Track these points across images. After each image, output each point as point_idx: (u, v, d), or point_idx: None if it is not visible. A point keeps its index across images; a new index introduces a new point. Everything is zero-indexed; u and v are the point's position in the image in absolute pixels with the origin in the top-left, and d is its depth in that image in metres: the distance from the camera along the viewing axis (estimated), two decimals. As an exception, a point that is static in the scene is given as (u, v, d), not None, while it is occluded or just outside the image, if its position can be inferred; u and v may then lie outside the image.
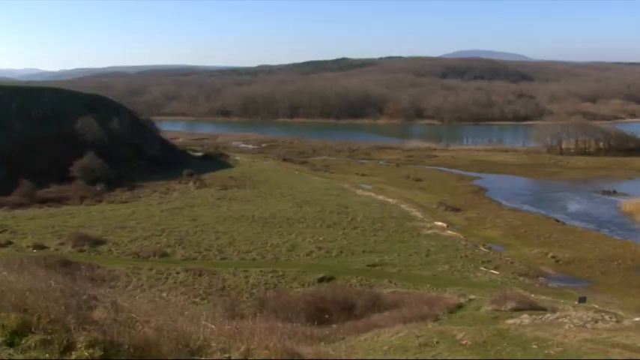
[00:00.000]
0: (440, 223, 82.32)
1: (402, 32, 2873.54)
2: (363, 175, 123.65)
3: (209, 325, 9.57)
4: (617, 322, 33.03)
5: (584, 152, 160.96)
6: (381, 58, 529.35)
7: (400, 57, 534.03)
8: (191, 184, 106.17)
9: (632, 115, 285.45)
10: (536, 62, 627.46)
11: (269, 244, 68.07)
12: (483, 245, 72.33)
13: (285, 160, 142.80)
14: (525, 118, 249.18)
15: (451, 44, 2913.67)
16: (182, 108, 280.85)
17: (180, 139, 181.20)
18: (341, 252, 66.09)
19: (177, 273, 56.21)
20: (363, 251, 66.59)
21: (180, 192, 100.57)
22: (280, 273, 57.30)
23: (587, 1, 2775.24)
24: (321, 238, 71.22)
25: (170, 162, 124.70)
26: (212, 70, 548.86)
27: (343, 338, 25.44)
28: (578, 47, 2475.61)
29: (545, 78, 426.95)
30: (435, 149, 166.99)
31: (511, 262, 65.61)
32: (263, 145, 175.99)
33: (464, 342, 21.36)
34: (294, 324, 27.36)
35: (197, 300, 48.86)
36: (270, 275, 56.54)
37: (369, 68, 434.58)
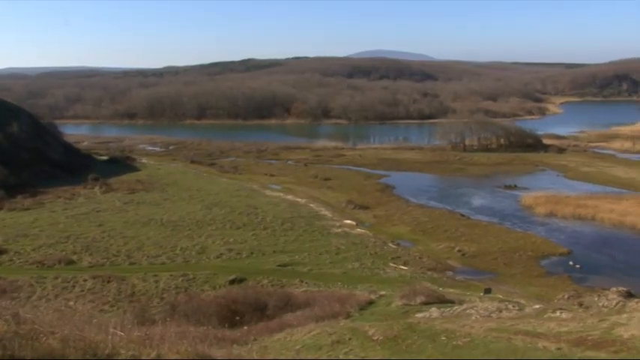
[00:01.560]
0: (349, 222, 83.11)
1: (309, 32, 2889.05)
2: (271, 175, 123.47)
3: (118, 332, 9.33)
4: (519, 310, 34.17)
5: (486, 149, 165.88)
6: (288, 58, 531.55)
7: (307, 57, 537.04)
8: (97, 188, 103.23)
9: (530, 112, 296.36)
10: (440, 62, 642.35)
11: (179, 248, 67.11)
12: (392, 242, 73.56)
13: (193, 162, 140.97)
14: (430, 117, 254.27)
15: (357, 44, 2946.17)
16: (86, 111, 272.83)
17: (85, 143, 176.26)
18: (251, 253, 65.86)
19: (85, 280, 54.68)
20: (274, 251, 66.57)
21: (86, 197, 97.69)
22: (191, 276, 56.61)
23: (486, 2, 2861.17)
24: (231, 240, 70.75)
25: (74, 166, 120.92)
26: (116, 72, 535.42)
27: (256, 339, 25.31)
28: (479, 48, 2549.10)
29: (448, 77, 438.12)
30: (342, 148, 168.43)
31: (419, 258, 67.01)
32: (170, 148, 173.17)
33: (376, 337, 21.59)
34: (206, 327, 27.06)
35: (106, 307, 47.72)
36: (180, 279, 55.77)
37: (276, 69, 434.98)
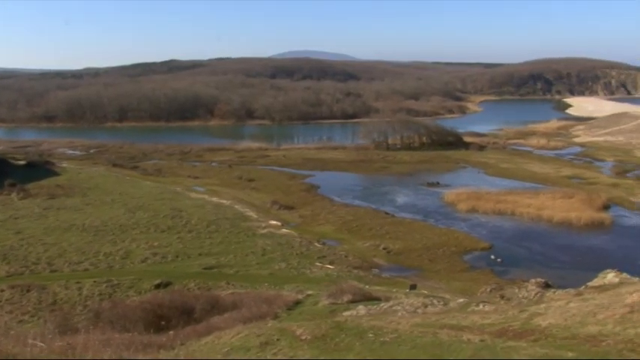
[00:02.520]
0: (274, 222, 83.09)
1: (231, 33, 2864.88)
2: (196, 177, 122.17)
3: (37, 343, 9.07)
4: (444, 305, 34.87)
5: (409, 147, 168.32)
6: (211, 59, 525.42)
7: (230, 58, 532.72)
8: (14, 194, 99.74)
9: (450, 111, 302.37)
10: (362, 62, 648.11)
11: (102, 253, 65.62)
12: (318, 241, 73.88)
13: (115, 165, 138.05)
14: (353, 116, 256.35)
15: (280, 45, 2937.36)
16: (0, 114, 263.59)
17: (0, 147, 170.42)
18: (177, 256, 65.03)
19: (2, 291, 52.75)
20: (200, 254, 65.93)
21: (2, 204, 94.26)
22: (115, 282, 55.44)
23: (406, 2, 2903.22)
24: (156, 244, 69.67)
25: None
26: (33, 74, 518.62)
27: (183, 344, 25.00)
28: (401, 48, 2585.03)
29: (370, 77, 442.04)
30: (266, 149, 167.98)
31: (345, 256, 67.55)
32: (91, 151, 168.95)
33: (304, 337, 21.64)
34: (132, 333, 26.60)
35: (25, 318, 46.20)
36: (104, 285, 54.55)
37: (198, 70, 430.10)
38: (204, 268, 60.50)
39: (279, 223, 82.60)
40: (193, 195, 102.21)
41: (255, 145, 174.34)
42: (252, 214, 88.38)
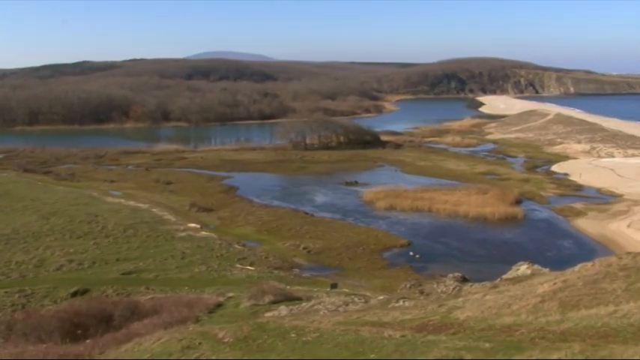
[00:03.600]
0: (193, 225, 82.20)
1: (145, 34, 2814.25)
2: (112, 181, 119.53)
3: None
4: (365, 302, 35.34)
5: (326, 147, 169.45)
6: (125, 60, 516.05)
7: (144, 59, 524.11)
8: None
9: (367, 110, 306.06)
10: (279, 62, 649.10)
11: (14, 262, 63.23)
12: (238, 243, 73.53)
13: (26, 170, 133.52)
14: (271, 117, 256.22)
15: (195, 46, 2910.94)
16: None
17: None
18: (94, 263, 63.39)
19: None
20: (117, 260, 64.46)
21: None
22: (29, 291, 53.52)
23: (320, 3, 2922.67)
24: (71, 250, 67.72)
25: None
26: None
27: (102, 352, 24.51)
28: (317, 48, 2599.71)
29: (287, 77, 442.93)
30: (184, 151, 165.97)
31: (266, 257, 67.46)
32: (0, 157, 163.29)
33: (226, 340, 21.55)
34: (47, 344, 25.88)
35: None
36: (17, 295, 52.55)
37: (112, 71, 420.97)
38: (123, 274, 59.20)
39: (198, 226, 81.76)
40: (110, 199, 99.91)
41: (172, 147, 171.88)
42: (171, 217, 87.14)
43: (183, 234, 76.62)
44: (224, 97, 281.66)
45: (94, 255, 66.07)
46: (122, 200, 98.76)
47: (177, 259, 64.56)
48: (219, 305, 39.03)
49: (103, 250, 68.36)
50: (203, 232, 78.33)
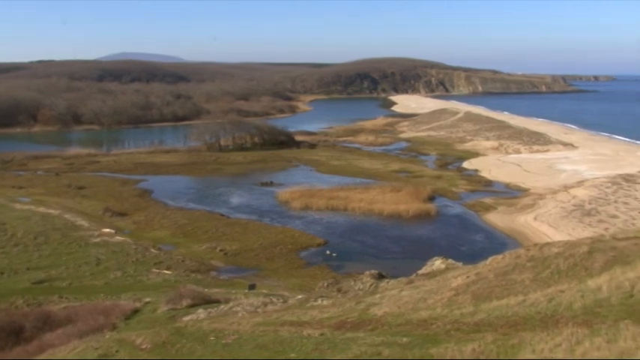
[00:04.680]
0: (108, 230, 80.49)
1: (54, 35, 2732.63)
2: (20, 187, 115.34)
3: None
4: (283, 302, 35.50)
5: (241, 148, 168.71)
6: (32, 61, 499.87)
7: (53, 60, 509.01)
8: None
9: (281, 110, 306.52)
10: (192, 64, 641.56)
11: None
12: (154, 247, 72.53)
13: None
14: (184, 118, 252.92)
15: (106, 47, 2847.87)
16: None
17: None
18: (2, 273, 61.07)
19: None
20: (28, 268, 62.40)
21: None
22: None
23: (233, 2, 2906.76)
24: (-23, 261, 65.25)
25: None
26: None
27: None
28: (230, 49, 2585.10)
29: (201, 79, 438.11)
30: (96, 155, 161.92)
31: (182, 260, 66.80)
32: None
33: (144, 346, 21.31)
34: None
35: None
36: None
37: (18, 73, 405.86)
38: (34, 283, 57.37)
39: (112, 231, 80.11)
40: (18, 206, 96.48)
41: (84, 151, 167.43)
42: (84, 222, 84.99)
43: (97, 240, 74.91)
44: (137, 99, 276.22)
45: (2, 265, 63.70)
46: (32, 207, 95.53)
47: (92, 266, 63.11)
48: (136, 311, 38.47)
49: (12, 259, 66.01)
50: (118, 237, 76.82)
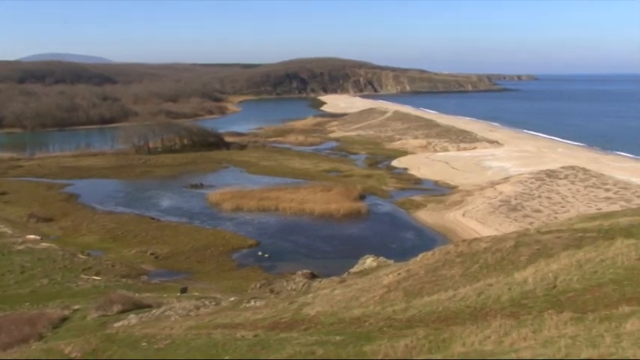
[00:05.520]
0: (32, 237, 78.34)
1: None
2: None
3: None
4: (216, 305, 35.31)
5: (170, 150, 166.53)
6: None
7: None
8: None
9: (210, 112, 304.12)
10: (119, 65, 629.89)
11: None
12: (82, 252, 70.99)
13: None
14: (111, 121, 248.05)
15: (28, 48, 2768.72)
16: None
17: None
18: None
19: None
20: (-54, 279, 60.27)
21: None
22: None
23: (158, 2, 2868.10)
24: None
25: None
26: None
27: None
28: (158, 50, 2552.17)
29: (128, 80, 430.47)
30: (19, 159, 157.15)
31: (112, 266, 65.60)
32: None
33: (73, 355, 20.89)
34: None
35: None
36: None
37: None
38: (-47, 294, 55.45)
39: (37, 237, 78.00)
40: None
41: (5, 155, 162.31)
42: (7, 229, 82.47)
43: (21, 247, 72.77)
44: (61, 101, 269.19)
45: None
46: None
47: (16, 274, 61.27)
48: (64, 319, 37.58)
49: None
50: (44, 244, 74.84)
